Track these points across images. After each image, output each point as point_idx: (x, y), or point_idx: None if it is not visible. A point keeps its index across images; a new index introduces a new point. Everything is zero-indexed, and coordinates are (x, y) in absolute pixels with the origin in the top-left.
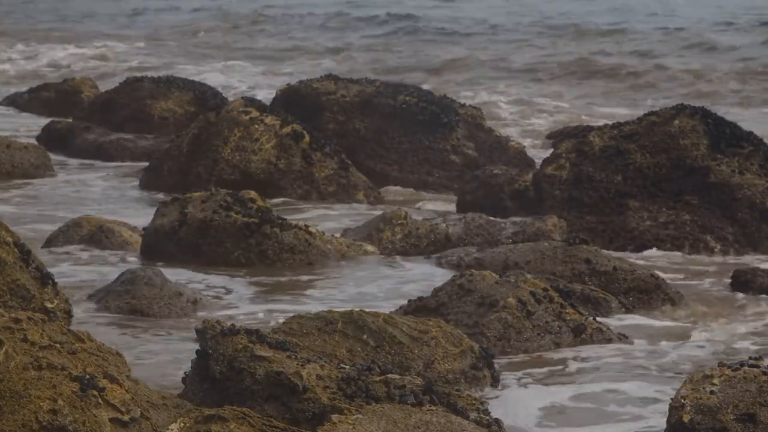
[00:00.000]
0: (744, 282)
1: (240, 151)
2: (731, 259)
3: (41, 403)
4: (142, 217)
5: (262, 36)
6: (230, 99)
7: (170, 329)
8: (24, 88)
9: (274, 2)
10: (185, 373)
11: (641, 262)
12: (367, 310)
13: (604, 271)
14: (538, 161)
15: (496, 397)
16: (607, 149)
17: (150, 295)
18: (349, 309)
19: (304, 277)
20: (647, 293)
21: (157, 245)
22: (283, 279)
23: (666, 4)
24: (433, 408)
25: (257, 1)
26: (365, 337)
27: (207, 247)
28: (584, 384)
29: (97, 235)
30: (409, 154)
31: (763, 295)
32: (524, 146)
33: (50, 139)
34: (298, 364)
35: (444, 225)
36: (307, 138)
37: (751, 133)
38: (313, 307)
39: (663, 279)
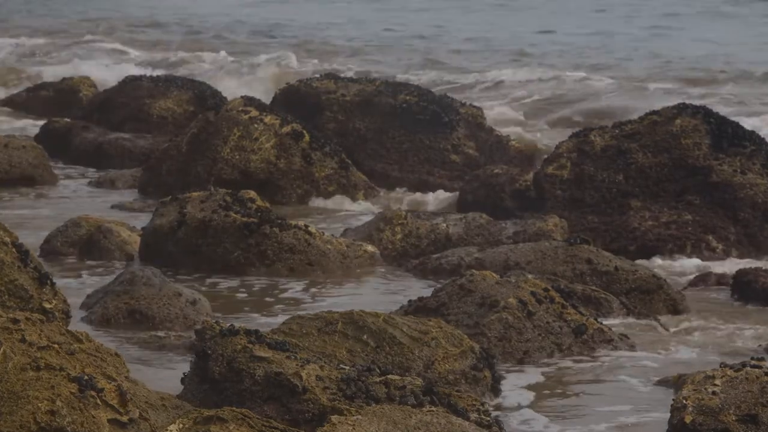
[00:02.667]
0: (746, 282)
1: (239, 151)
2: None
3: (39, 404)
4: (140, 216)
5: None
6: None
7: (169, 329)
8: None
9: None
10: (184, 373)
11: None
12: (366, 310)
13: (605, 272)
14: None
15: (497, 397)
16: (608, 149)
17: (149, 295)
18: (350, 309)
19: (303, 279)
20: (649, 294)
21: (156, 245)
22: (281, 279)
23: None
24: (434, 409)
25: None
26: (365, 337)
27: (206, 247)
28: (585, 385)
29: (95, 235)
30: (410, 153)
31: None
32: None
33: (48, 139)
34: (297, 365)
35: (444, 225)
36: (306, 137)
37: (753, 133)
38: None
39: (665, 279)
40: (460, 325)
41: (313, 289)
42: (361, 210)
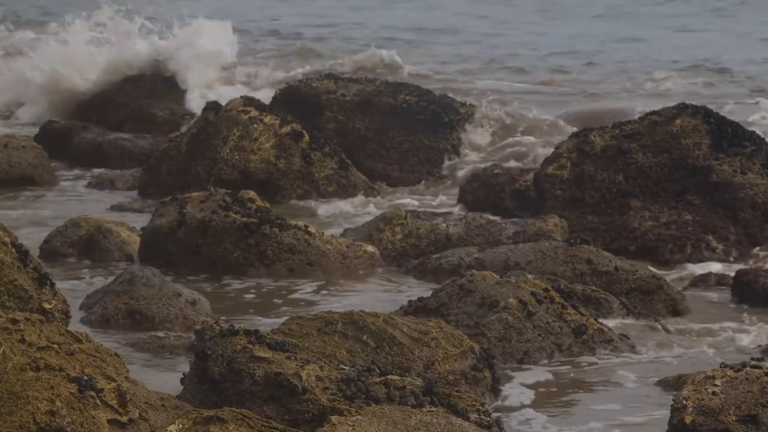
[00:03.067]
0: (746, 282)
1: (239, 151)
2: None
3: (39, 405)
4: (140, 217)
5: None
6: None
7: (169, 330)
8: None
9: None
10: (184, 374)
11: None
12: (366, 310)
13: (605, 272)
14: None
15: (497, 397)
16: (608, 149)
17: (149, 295)
18: (349, 310)
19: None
20: (649, 294)
21: (156, 245)
22: (281, 280)
23: None
24: (434, 409)
25: None
26: (365, 337)
27: (206, 247)
28: (585, 385)
29: (95, 236)
30: (410, 153)
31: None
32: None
33: (48, 139)
34: (297, 365)
35: (444, 225)
36: (306, 137)
37: (753, 133)
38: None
39: (665, 279)
40: (460, 326)
41: (313, 290)
42: (361, 210)
